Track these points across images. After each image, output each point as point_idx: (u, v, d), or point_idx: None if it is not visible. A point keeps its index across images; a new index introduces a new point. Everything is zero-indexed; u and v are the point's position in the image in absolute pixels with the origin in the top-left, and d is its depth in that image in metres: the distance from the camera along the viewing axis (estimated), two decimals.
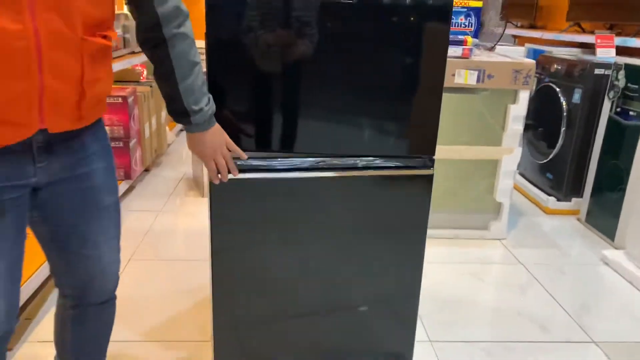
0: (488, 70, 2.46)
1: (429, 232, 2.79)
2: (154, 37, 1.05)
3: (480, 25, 2.72)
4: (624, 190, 2.59)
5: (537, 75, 3.36)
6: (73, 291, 1.19)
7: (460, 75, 2.49)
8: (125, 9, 3.02)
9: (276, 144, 1.37)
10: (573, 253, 2.62)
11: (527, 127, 3.40)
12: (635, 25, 3.00)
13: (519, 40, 4.44)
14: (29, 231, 1.06)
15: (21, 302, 1.38)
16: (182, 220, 2.79)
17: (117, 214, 1.17)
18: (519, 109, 2.52)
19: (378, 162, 1.40)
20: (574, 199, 3.04)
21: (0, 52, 0.81)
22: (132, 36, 3.09)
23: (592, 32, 3.40)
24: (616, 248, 2.58)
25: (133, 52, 3.12)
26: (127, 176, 2.95)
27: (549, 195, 3.13)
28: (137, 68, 3.57)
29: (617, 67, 2.69)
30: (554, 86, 3.12)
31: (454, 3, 2.66)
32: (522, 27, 4.50)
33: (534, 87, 3.38)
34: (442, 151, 2.51)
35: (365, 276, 1.49)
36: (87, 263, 1.13)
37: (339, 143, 1.38)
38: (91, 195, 1.08)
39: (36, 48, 0.84)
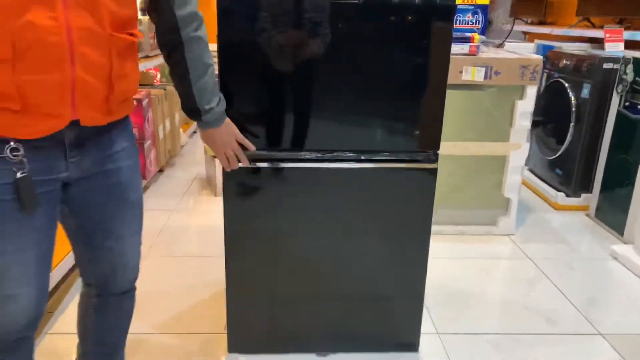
0: (495, 66, 2.49)
1: (437, 228, 2.82)
2: (172, 39, 1.12)
3: (487, 22, 2.74)
4: (633, 184, 2.59)
5: (547, 71, 3.37)
6: (96, 281, 1.25)
7: (467, 72, 2.51)
8: (139, 14, 3.10)
9: (285, 141, 1.42)
10: (582, 248, 2.63)
11: (536, 124, 3.41)
12: None
13: (529, 37, 4.43)
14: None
15: None
16: (195, 218, 2.85)
17: (140, 210, 1.23)
18: (526, 105, 2.53)
19: (385, 156, 1.45)
20: (583, 195, 3.05)
21: (36, 46, 0.88)
22: (145, 41, 3.17)
23: (601, 27, 3.39)
24: (625, 243, 2.59)
25: (147, 57, 3.20)
26: (142, 176, 3.02)
27: (558, 191, 3.13)
28: (150, 72, 3.66)
29: (625, 61, 2.69)
30: (563, 81, 3.12)
31: (462, 1, 2.69)
32: (532, 23, 4.49)
33: (544, 83, 3.38)
34: (450, 147, 2.55)
35: (373, 265, 1.54)
36: (111, 255, 1.20)
37: (347, 140, 1.43)
38: (118, 191, 1.14)
39: (68, 43, 0.91)
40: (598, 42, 3.28)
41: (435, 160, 1.46)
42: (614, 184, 2.78)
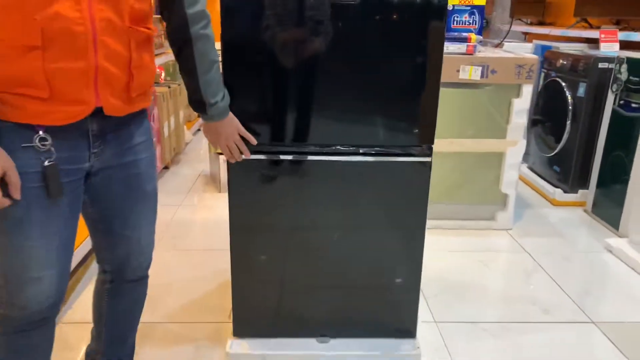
0: (492, 65, 2.56)
1: (437, 222, 2.88)
2: (182, 37, 1.19)
3: (484, 22, 2.80)
4: (627, 180, 2.65)
5: (545, 70, 3.43)
6: (112, 267, 1.32)
7: (464, 71, 2.58)
8: None
9: (285, 135, 1.50)
10: (578, 242, 2.69)
11: (535, 122, 3.48)
12: None
13: (528, 37, 4.49)
14: None
15: None
16: (200, 213, 2.93)
17: (155, 201, 1.31)
18: (522, 103, 2.60)
19: (383, 149, 1.52)
20: (580, 191, 3.11)
21: (63, 35, 0.96)
22: None
23: (598, 28, 3.46)
24: (620, 237, 2.65)
25: None
26: None
27: (556, 187, 3.19)
28: (155, 70, 3.73)
29: (619, 60, 2.76)
30: (560, 81, 3.19)
31: (459, 1, 2.76)
32: (531, 24, 4.55)
33: (542, 83, 3.45)
34: (448, 145, 2.62)
35: (372, 254, 1.61)
36: (127, 243, 1.27)
37: (345, 135, 1.50)
38: (136, 182, 1.22)
39: (92, 33, 0.99)
40: (594, 42, 3.34)
41: (430, 154, 1.53)
42: (609, 180, 2.85)
